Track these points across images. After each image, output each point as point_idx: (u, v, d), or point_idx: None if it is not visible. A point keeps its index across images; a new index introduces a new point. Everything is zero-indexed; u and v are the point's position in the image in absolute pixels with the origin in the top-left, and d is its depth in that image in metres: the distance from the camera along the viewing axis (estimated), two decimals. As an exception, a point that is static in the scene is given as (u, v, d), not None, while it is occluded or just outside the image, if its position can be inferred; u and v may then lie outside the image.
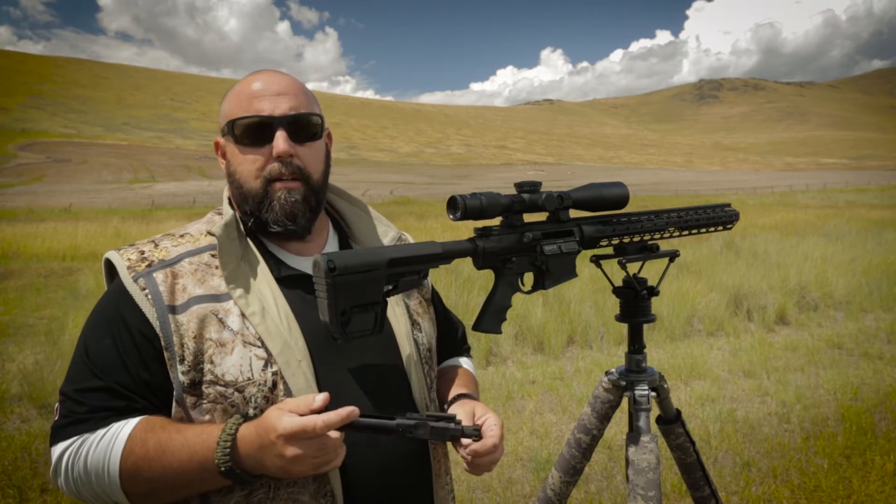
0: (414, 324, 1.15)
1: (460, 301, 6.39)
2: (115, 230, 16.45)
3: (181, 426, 0.91)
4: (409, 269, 0.98)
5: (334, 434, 0.86)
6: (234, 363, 0.94)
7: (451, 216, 1.03)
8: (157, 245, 1.02)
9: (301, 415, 0.85)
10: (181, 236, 1.04)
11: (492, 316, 1.13)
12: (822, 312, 6.89)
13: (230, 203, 1.10)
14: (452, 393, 1.20)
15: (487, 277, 6.96)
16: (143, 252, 1.00)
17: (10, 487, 3.03)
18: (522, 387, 4.63)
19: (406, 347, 1.10)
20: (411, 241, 1.26)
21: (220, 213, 1.10)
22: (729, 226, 1.42)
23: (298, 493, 0.95)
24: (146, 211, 30.52)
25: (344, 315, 0.90)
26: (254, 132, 1.01)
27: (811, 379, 4.73)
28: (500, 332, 1.15)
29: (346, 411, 0.86)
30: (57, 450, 0.92)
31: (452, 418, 0.96)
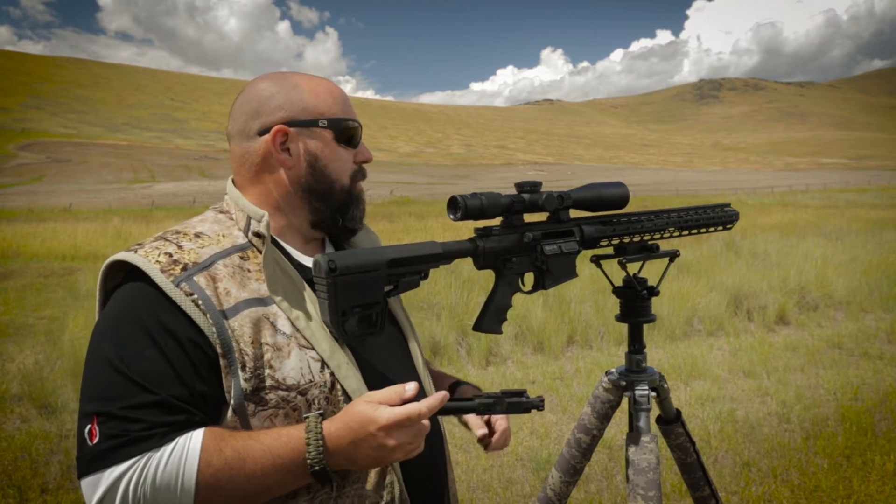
0: (411, 325, 1.21)
1: (460, 301, 6.39)
2: (115, 230, 16.44)
3: (252, 433, 0.88)
4: (409, 269, 0.98)
5: (426, 421, 0.89)
6: (293, 366, 0.92)
7: (452, 216, 1.03)
8: (180, 246, 0.94)
9: (394, 405, 0.87)
10: (196, 236, 0.98)
11: (492, 316, 1.14)
12: (822, 312, 6.89)
13: (241, 201, 1.06)
14: (447, 381, 1.29)
15: (487, 277, 6.96)
16: (170, 254, 0.92)
17: (10, 487, 3.03)
18: (522, 387, 4.62)
19: (414, 346, 1.16)
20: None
21: (223, 212, 1.06)
22: (729, 226, 1.42)
23: (362, 488, 0.96)
24: (146, 211, 30.51)
25: (344, 315, 0.90)
26: (350, 134, 1.08)
27: (811, 379, 4.73)
28: (500, 332, 1.16)
29: (442, 395, 0.90)
30: (108, 475, 0.82)
31: (523, 392, 1.01)
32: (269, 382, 0.90)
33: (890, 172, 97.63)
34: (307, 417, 0.89)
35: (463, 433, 3.76)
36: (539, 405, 1.00)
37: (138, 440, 0.83)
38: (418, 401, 0.89)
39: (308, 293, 0.99)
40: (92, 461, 0.83)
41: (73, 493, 3.00)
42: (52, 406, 4.08)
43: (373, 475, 0.97)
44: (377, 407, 0.86)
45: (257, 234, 0.98)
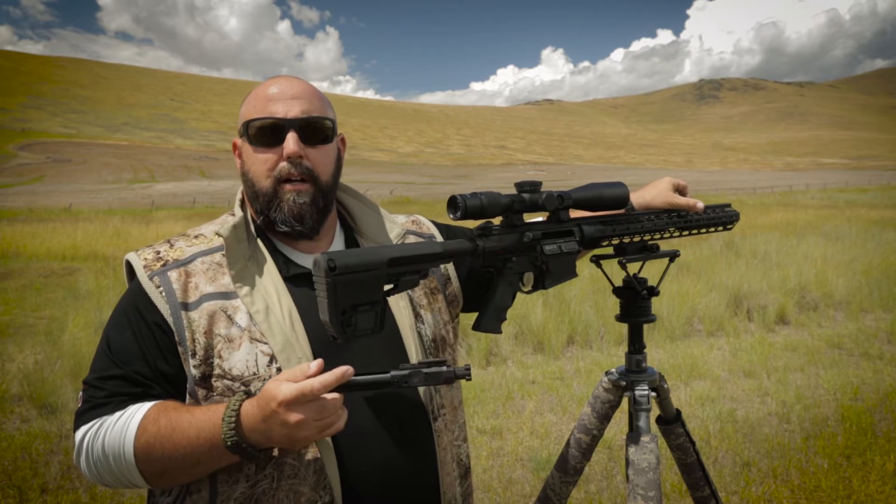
0: (417, 316, 1.17)
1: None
2: (115, 230, 16.44)
3: (190, 407, 0.97)
4: (409, 268, 0.98)
5: (332, 395, 0.89)
6: (240, 358, 0.98)
7: (452, 216, 1.03)
8: (172, 245, 1.07)
9: (297, 381, 0.88)
10: (195, 237, 1.09)
11: (492, 316, 1.13)
12: (822, 312, 6.89)
13: (242, 204, 1.14)
14: None
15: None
16: (158, 252, 1.05)
17: (10, 487, 3.03)
18: (522, 387, 4.62)
19: (410, 340, 1.12)
20: (424, 223, 1.32)
21: (233, 215, 1.14)
22: (729, 226, 1.41)
23: (299, 485, 0.98)
24: (146, 211, 30.50)
25: (344, 314, 0.90)
26: (266, 133, 1.06)
27: (811, 379, 4.73)
28: (500, 332, 1.15)
29: (341, 370, 0.89)
30: (79, 434, 0.97)
31: (444, 362, 0.98)
32: (216, 371, 0.98)
33: (890, 172, 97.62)
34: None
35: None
36: (464, 375, 0.96)
37: (99, 405, 0.97)
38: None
39: (279, 288, 1.04)
40: (75, 421, 1.00)
41: (72, 494, 3.00)
42: (52, 406, 4.08)
43: (310, 474, 0.99)
44: (281, 384, 0.88)
45: (218, 235, 1.06)
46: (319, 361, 0.90)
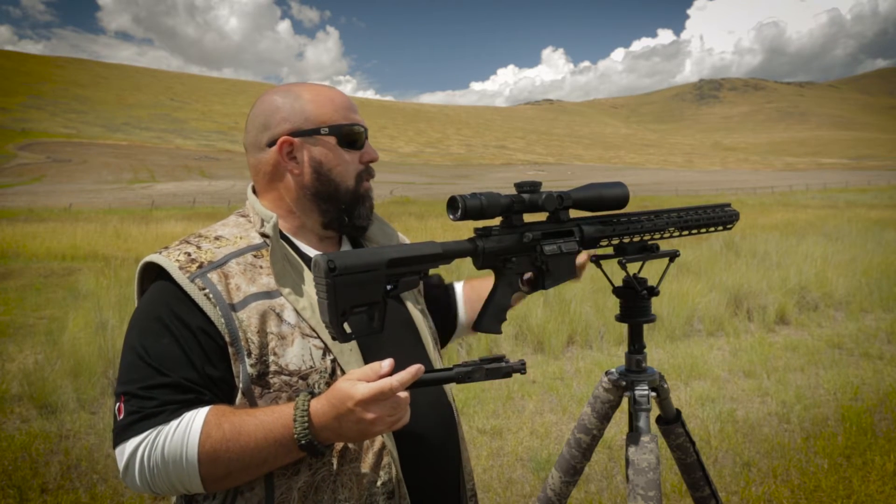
0: (423, 313, 1.27)
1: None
2: (115, 230, 16.45)
3: (251, 410, 0.97)
4: (409, 269, 0.98)
5: (403, 393, 0.92)
6: (295, 353, 1.02)
7: (451, 216, 1.03)
8: (199, 247, 1.07)
9: (370, 381, 0.91)
10: (216, 239, 1.10)
11: (492, 316, 1.13)
12: (822, 312, 6.89)
13: (256, 205, 1.17)
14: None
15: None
16: (189, 254, 1.04)
17: (10, 487, 3.03)
18: (522, 387, 4.63)
19: (426, 334, 1.22)
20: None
21: (244, 216, 1.16)
22: (729, 226, 1.41)
23: (360, 467, 1.03)
24: (146, 211, 30.52)
25: (344, 315, 0.90)
26: (355, 138, 1.15)
27: (811, 379, 4.73)
28: (500, 332, 1.15)
29: (415, 369, 0.93)
30: (128, 446, 0.95)
31: (502, 358, 1.01)
32: (272, 368, 1.00)
33: (890, 172, 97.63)
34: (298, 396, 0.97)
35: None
36: (521, 369, 1.00)
37: (151, 415, 0.95)
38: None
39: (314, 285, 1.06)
40: (118, 434, 0.96)
41: (73, 494, 3.00)
42: (52, 406, 4.08)
43: (370, 456, 1.04)
44: (354, 384, 0.90)
45: (263, 235, 1.09)
46: (391, 361, 0.93)
